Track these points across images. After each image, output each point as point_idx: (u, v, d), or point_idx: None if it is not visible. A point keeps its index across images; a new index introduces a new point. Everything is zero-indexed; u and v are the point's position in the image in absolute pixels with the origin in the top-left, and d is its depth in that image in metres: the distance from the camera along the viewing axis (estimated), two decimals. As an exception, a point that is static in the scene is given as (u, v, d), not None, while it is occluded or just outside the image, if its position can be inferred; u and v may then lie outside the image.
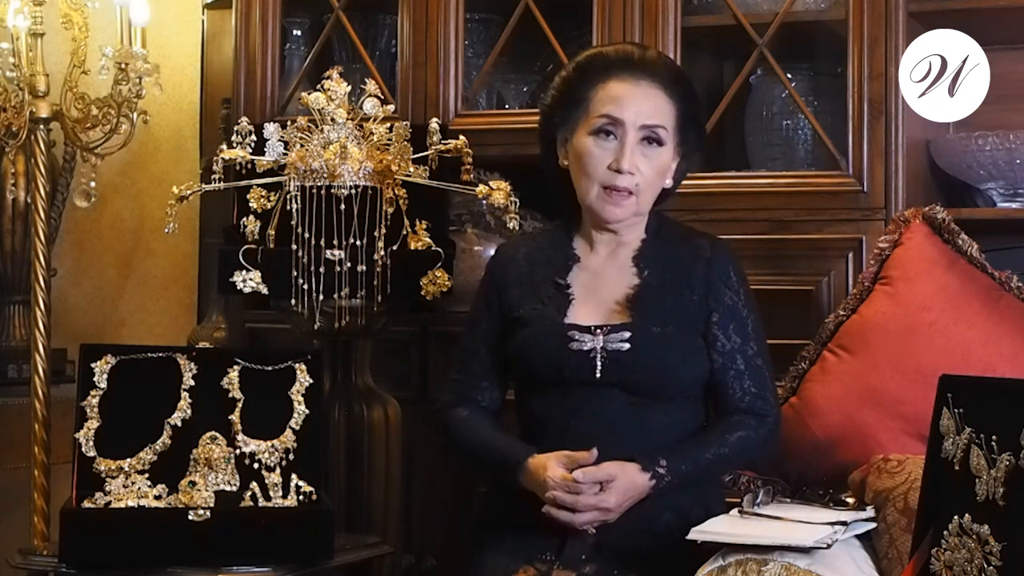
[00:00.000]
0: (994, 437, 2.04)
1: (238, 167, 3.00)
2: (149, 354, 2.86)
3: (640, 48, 2.72)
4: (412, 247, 3.03)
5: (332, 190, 2.96)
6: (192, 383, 2.83)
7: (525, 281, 2.64)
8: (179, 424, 2.79)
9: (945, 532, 2.09)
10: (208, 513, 2.66)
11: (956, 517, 2.08)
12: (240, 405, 2.82)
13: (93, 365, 2.82)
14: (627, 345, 2.51)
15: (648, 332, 2.53)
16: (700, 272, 2.59)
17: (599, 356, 2.52)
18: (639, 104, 2.56)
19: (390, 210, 3.01)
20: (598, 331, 2.53)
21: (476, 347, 2.67)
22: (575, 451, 2.48)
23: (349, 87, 3.01)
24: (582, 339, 2.53)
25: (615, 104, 2.56)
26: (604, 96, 2.58)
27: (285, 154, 3.00)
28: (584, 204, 2.61)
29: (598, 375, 2.51)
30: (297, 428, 2.82)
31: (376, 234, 2.98)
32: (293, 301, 2.96)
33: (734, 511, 2.42)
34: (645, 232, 2.65)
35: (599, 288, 2.61)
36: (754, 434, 2.55)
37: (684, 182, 3.12)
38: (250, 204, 3.05)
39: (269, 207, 3.04)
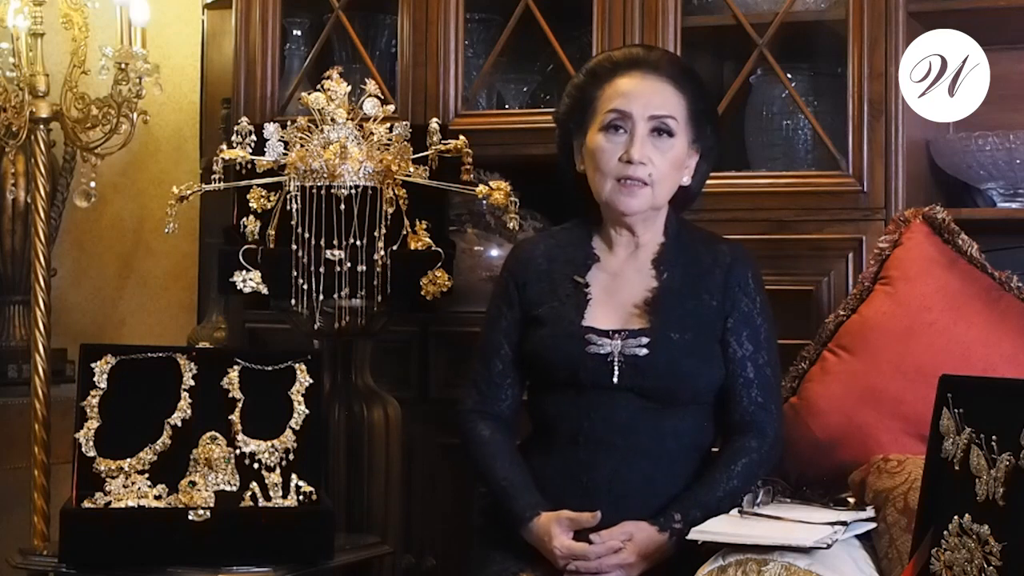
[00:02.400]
0: (994, 437, 2.04)
1: (238, 167, 3.00)
2: (149, 354, 2.86)
3: (646, 48, 2.75)
4: (412, 247, 3.03)
5: (332, 190, 2.96)
6: (192, 383, 2.83)
7: (544, 278, 2.64)
8: (179, 424, 2.79)
9: (945, 532, 2.09)
10: (208, 513, 2.66)
11: (956, 517, 2.08)
12: (240, 405, 2.82)
13: (93, 365, 2.82)
14: (645, 351, 2.51)
15: (666, 338, 2.52)
16: (719, 277, 2.59)
17: (616, 360, 2.51)
18: (647, 96, 2.57)
19: (390, 210, 3.00)
20: (616, 335, 2.53)
21: (498, 343, 2.65)
22: (590, 455, 2.49)
23: (349, 87, 3.01)
24: (600, 343, 2.52)
25: (623, 98, 2.57)
26: (612, 93, 2.59)
27: (285, 154, 3.00)
28: (601, 201, 2.60)
29: (615, 380, 2.51)
30: (297, 428, 2.82)
31: (376, 234, 2.98)
32: (293, 301, 2.96)
33: (734, 511, 2.42)
34: (665, 235, 2.64)
35: (618, 290, 2.60)
36: (756, 456, 2.55)
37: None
38: (250, 204, 3.05)
39: (269, 207, 3.04)
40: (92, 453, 2.76)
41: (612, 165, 2.56)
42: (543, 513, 2.48)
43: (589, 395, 2.53)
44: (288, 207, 2.97)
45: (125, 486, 2.73)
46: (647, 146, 2.55)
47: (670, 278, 2.59)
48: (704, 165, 2.67)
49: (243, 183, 3.05)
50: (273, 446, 2.80)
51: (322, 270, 2.95)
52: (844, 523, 2.35)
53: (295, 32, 3.69)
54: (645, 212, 2.59)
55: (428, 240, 3.04)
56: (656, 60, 2.62)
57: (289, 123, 3.03)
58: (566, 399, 2.55)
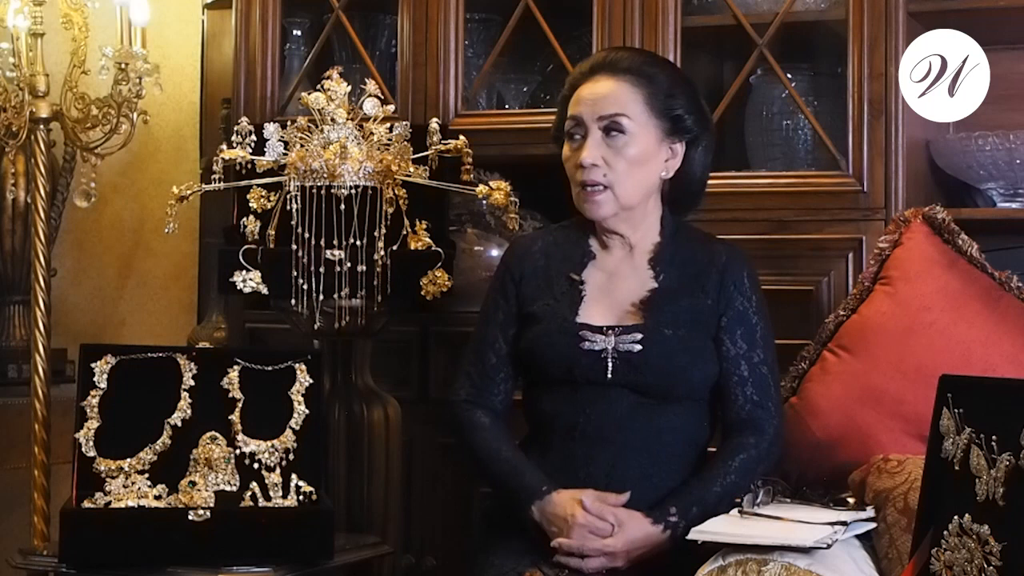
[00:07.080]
0: (994, 437, 2.04)
1: (238, 167, 3.00)
2: (149, 354, 2.86)
3: (612, 51, 2.72)
4: (412, 247, 3.03)
5: (332, 190, 2.96)
6: (192, 383, 2.83)
7: (540, 274, 2.65)
8: (179, 424, 2.79)
9: (945, 532, 2.09)
10: (208, 513, 2.66)
11: (956, 517, 2.08)
12: (240, 405, 2.82)
13: (93, 365, 2.82)
14: (638, 346, 2.52)
15: (660, 334, 2.53)
16: (715, 277, 2.60)
17: (610, 357, 2.52)
18: (595, 99, 2.57)
19: (390, 210, 3.00)
20: (610, 331, 2.54)
21: (493, 337, 2.66)
22: (587, 450, 2.50)
23: (349, 87, 3.01)
24: (594, 339, 2.53)
25: (576, 106, 2.60)
26: (573, 102, 2.62)
27: (285, 154, 3.00)
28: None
29: (609, 375, 2.52)
30: (297, 428, 2.82)
31: (376, 234, 2.98)
32: (293, 301, 2.96)
33: (734, 511, 2.42)
34: (660, 235, 2.65)
35: (613, 288, 2.61)
36: (755, 452, 2.56)
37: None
38: (250, 204, 3.05)
39: (269, 207, 3.04)
40: (92, 453, 2.76)
41: (573, 173, 2.59)
42: (562, 489, 2.48)
43: (584, 391, 2.54)
44: (288, 207, 2.97)
45: (125, 486, 2.73)
46: (600, 148, 2.56)
47: (667, 278, 2.60)
48: (695, 153, 2.65)
49: (243, 183, 3.05)
50: (273, 446, 2.80)
51: (322, 270, 2.95)
52: (844, 523, 2.35)
53: (295, 32, 3.69)
54: (615, 214, 2.59)
55: (428, 240, 3.04)
56: (612, 61, 2.62)
57: (289, 123, 3.03)
58: (562, 396, 2.56)
